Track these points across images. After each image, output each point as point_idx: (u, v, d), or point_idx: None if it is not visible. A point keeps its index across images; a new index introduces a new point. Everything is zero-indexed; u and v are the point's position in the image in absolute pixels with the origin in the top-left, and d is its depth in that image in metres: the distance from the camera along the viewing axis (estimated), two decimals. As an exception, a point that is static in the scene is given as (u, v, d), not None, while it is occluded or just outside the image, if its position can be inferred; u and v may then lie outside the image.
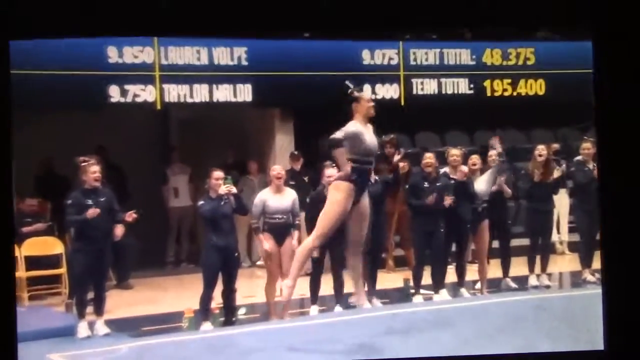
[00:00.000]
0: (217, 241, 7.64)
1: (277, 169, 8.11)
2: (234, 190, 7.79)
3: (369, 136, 7.00)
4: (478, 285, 8.91)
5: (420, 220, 8.46)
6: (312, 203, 8.10)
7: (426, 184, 8.47)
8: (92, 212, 7.37)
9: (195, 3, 3.71)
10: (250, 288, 8.76)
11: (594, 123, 3.76)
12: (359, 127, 6.93)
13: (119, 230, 7.66)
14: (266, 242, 7.89)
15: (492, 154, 8.96)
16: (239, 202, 7.82)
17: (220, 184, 7.70)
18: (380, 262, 8.80)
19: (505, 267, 9.05)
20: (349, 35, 9.91)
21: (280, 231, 7.95)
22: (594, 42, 3.82)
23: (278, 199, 7.96)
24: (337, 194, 6.94)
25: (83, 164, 7.63)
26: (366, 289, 8.08)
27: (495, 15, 3.78)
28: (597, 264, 9.10)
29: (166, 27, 3.83)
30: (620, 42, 3.69)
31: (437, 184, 8.46)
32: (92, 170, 7.54)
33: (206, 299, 7.65)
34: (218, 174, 7.75)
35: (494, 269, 9.03)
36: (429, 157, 8.55)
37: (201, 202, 7.78)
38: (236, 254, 7.89)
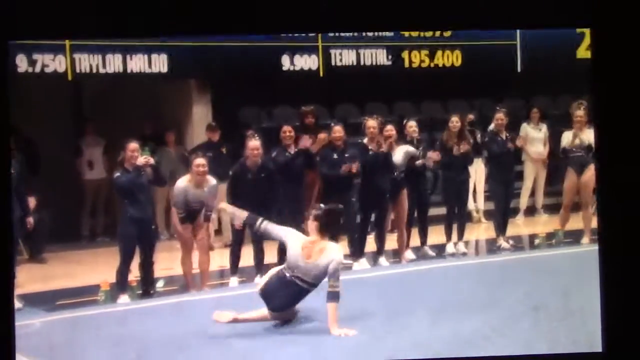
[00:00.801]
0: (133, 213, 7.55)
1: (200, 162, 7.87)
2: (152, 161, 7.67)
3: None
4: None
5: (330, 192, 8.51)
6: (234, 176, 8.06)
7: (335, 156, 8.55)
8: None
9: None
10: (168, 261, 8.65)
11: (593, 118, 3.81)
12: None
13: (30, 221, 7.61)
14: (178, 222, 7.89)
15: (412, 124, 9.09)
16: (156, 174, 7.71)
17: (136, 155, 7.57)
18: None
19: (424, 236, 9.19)
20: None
21: (197, 214, 7.93)
22: (592, 34, 3.86)
23: (199, 192, 7.87)
24: None
25: None
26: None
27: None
28: (511, 231, 9.48)
29: (168, 29, 3.71)
30: (618, 33, 3.73)
31: (346, 155, 8.55)
32: None
33: (123, 271, 7.56)
34: (134, 145, 7.63)
35: (414, 238, 9.17)
36: (337, 130, 8.64)
37: (117, 174, 7.64)
38: (153, 227, 7.80)
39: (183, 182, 7.89)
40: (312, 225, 6.29)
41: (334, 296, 5.94)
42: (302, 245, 6.16)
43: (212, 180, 7.93)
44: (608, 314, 3.85)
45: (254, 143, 7.94)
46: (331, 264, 6.05)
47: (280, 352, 5.66)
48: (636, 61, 3.73)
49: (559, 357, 4.14)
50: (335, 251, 6.16)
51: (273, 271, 6.33)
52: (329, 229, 6.24)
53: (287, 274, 6.14)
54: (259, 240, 8.07)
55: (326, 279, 6.05)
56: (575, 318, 4.58)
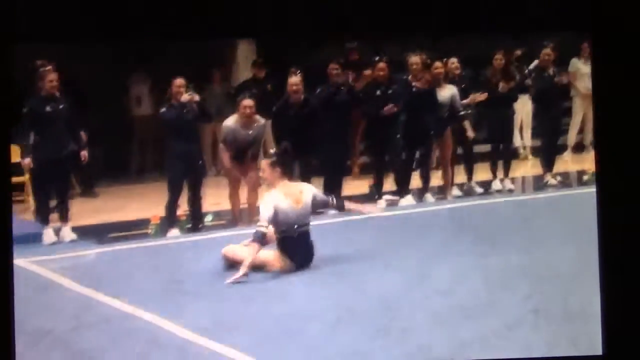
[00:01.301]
0: (180, 148, 7.63)
1: (247, 103, 7.86)
2: (197, 97, 7.73)
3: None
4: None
5: (374, 129, 8.49)
6: (277, 112, 8.09)
7: (379, 92, 8.49)
8: None
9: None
10: (216, 196, 8.78)
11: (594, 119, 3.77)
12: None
13: (84, 154, 7.71)
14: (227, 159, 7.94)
15: (454, 61, 9.00)
16: (201, 110, 7.78)
17: (182, 91, 7.64)
18: (345, 170, 8.87)
19: (469, 172, 9.18)
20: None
21: (244, 153, 7.95)
22: (592, 38, 3.78)
23: (246, 132, 7.89)
24: None
25: (40, 69, 7.50)
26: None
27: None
28: (558, 167, 9.38)
29: (170, 29, 3.72)
30: (619, 37, 3.66)
31: (389, 92, 8.49)
32: (50, 78, 7.43)
33: (171, 206, 7.69)
34: (180, 81, 7.69)
35: (460, 175, 9.17)
36: (381, 67, 8.52)
37: (163, 110, 7.74)
38: (200, 162, 7.87)
39: (231, 122, 7.91)
40: (274, 172, 6.28)
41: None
42: (285, 199, 6.19)
43: (260, 120, 7.95)
44: (608, 317, 3.84)
45: (295, 79, 7.93)
46: (317, 197, 6.32)
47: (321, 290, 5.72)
48: (636, 64, 3.66)
49: None
50: (307, 185, 6.46)
51: (272, 247, 6.21)
52: (289, 167, 6.38)
53: (295, 231, 6.17)
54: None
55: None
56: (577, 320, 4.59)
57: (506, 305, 4.86)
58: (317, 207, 6.42)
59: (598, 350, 3.96)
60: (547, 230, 6.63)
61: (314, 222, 6.25)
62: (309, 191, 6.32)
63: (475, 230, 6.90)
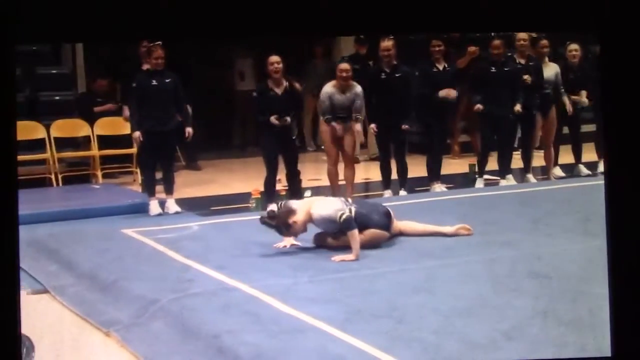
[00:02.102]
0: (271, 126, 7.66)
1: (344, 67, 7.93)
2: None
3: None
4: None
5: (490, 105, 8.34)
6: (371, 77, 8.09)
7: (493, 69, 8.33)
8: None
9: (200, 4, 3.61)
10: (315, 171, 8.86)
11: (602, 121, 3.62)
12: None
13: (189, 131, 7.82)
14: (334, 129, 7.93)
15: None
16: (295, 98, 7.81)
17: (278, 68, 7.60)
18: (445, 148, 8.80)
19: (577, 153, 8.94)
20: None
21: (344, 121, 7.97)
22: (600, 42, 3.63)
23: (343, 97, 7.90)
24: None
25: (147, 45, 7.72)
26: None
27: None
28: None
29: (170, 30, 3.74)
30: (627, 38, 3.49)
31: (505, 69, 8.31)
32: (156, 55, 7.60)
33: (269, 181, 7.80)
34: (275, 57, 7.66)
35: (565, 155, 8.95)
36: (496, 45, 8.35)
37: (255, 94, 7.80)
38: (294, 137, 7.93)
39: (328, 87, 7.95)
40: None
41: None
42: None
43: (357, 86, 7.95)
44: (617, 318, 3.66)
45: (386, 43, 7.91)
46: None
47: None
48: None
49: None
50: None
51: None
52: None
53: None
54: (400, 155, 8.15)
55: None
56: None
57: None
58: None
59: (607, 352, 3.83)
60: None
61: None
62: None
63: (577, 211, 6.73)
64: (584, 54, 9.01)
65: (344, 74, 7.85)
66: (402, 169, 8.15)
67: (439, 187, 8.33)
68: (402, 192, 8.16)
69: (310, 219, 5.86)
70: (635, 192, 3.51)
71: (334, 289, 5.18)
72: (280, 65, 7.60)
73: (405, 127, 8.00)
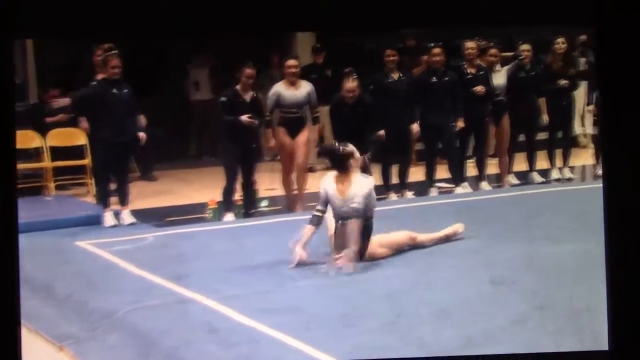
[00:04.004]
0: (234, 134, 7.65)
1: (292, 62, 7.96)
2: (256, 122, 7.67)
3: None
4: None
5: (429, 116, 8.41)
6: (333, 108, 8.03)
7: (434, 79, 8.41)
8: None
9: (193, 4, 3.61)
10: (271, 181, 8.84)
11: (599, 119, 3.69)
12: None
13: (142, 135, 7.75)
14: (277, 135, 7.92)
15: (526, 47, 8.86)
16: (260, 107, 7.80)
17: (251, 83, 7.61)
18: (411, 159, 8.84)
19: (531, 161, 9.05)
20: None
21: (294, 124, 7.95)
22: (596, 36, 3.70)
23: (292, 92, 7.90)
24: None
25: (103, 55, 7.63)
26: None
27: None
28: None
29: (170, 28, 3.73)
30: (624, 35, 3.57)
31: (445, 79, 8.39)
32: (113, 64, 7.53)
33: (228, 191, 7.76)
34: (250, 72, 7.64)
35: (519, 163, 9.06)
36: (436, 53, 8.43)
37: (223, 99, 7.75)
38: (254, 146, 7.91)
39: (276, 86, 7.96)
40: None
41: None
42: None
43: (307, 84, 7.95)
44: (614, 311, 3.75)
45: (351, 85, 7.74)
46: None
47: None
48: None
49: (561, 357, 4.08)
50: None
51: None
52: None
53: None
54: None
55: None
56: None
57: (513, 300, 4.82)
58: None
59: (604, 346, 3.90)
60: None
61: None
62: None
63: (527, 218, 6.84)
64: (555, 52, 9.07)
65: (292, 69, 7.85)
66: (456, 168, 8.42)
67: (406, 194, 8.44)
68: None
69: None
70: (632, 189, 3.56)
71: (293, 298, 5.17)
72: (254, 76, 7.69)
73: (380, 132, 8.01)
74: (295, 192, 8.09)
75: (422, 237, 6.18)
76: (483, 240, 6.21)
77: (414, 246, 6.12)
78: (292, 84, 7.90)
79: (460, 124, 8.42)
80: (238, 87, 7.68)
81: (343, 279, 5.54)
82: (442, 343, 4.33)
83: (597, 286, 4.08)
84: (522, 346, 4.23)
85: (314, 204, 8.18)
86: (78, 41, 8.06)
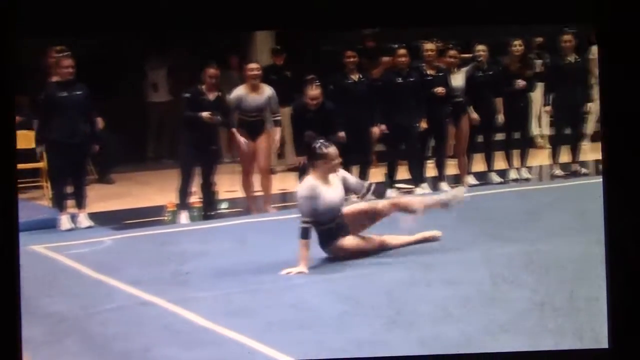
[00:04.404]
0: (193, 134, 7.60)
1: (253, 66, 7.92)
2: (219, 119, 7.63)
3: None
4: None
5: (394, 116, 8.44)
6: (295, 113, 7.99)
7: (400, 80, 8.43)
8: None
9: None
10: (231, 183, 8.79)
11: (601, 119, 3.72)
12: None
13: (95, 147, 7.68)
14: (240, 138, 7.86)
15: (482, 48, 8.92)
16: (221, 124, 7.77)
17: (214, 82, 7.57)
18: (371, 161, 8.84)
19: (489, 161, 9.12)
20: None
21: (255, 127, 7.92)
22: (597, 34, 3.73)
23: (254, 97, 7.87)
24: None
25: (55, 56, 7.53)
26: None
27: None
28: (564, 158, 9.29)
29: (168, 26, 3.71)
30: (624, 32, 3.61)
31: (410, 79, 8.43)
32: (65, 64, 7.44)
33: (183, 192, 7.70)
34: (213, 71, 7.64)
35: (478, 163, 9.12)
36: (402, 53, 8.46)
37: (187, 95, 7.69)
38: (213, 147, 7.86)
39: (238, 90, 7.90)
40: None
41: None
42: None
43: (268, 88, 7.92)
44: (614, 310, 3.80)
45: (314, 93, 7.70)
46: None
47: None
48: None
49: (561, 355, 4.12)
50: None
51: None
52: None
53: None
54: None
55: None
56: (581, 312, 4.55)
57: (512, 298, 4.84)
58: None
59: (604, 344, 3.93)
60: (553, 221, 6.62)
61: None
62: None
63: (483, 221, 6.88)
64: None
65: (254, 72, 7.82)
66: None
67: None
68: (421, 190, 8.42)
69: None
70: (632, 187, 3.58)
71: (253, 300, 5.14)
72: (217, 77, 7.69)
73: (340, 134, 8.02)
74: (256, 194, 8.03)
75: (390, 239, 6.17)
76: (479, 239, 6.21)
77: (383, 249, 6.10)
78: (254, 87, 7.86)
79: (424, 124, 8.45)
80: (203, 86, 7.66)
81: (309, 280, 5.52)
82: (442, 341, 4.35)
83: (597, 284, 4.11)
84: (522, 344, 4.24)
85: (277, 205, 8.23)
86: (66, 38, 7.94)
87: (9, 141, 3.41)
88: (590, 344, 4.13)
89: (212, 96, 7.66)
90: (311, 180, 5.94)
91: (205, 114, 7.54)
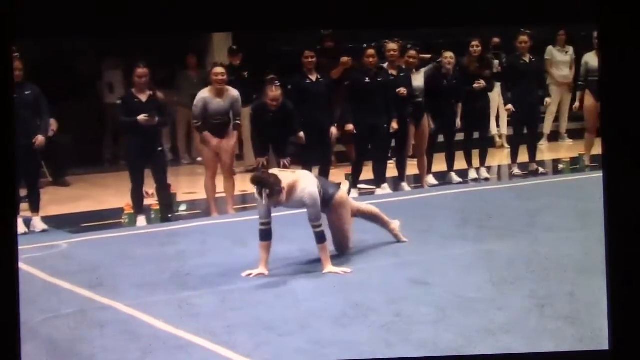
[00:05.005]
0: (136, 137, 7.52)
1: (219, 70, 7.79)
2: (155, 120, 7.50)
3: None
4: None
5: (364, 115, 8.41)
6: (255, 113, 7.93)
7: (367, 79, 8.42)
8: None
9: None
10: (190, 185, 8.69)
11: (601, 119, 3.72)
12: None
13: (40, 140, 7.44)
14: (206, 139, 7.77)
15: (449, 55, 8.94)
16: (159, 124, 7.64)
17: (144, 81, 7.48)
18: (330, 160, 8.80)
19: (450, 161, 9.14)
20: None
21: (220, 129, 7.83)
22: (599, 34, 3.73)
23: (218, 101, 7.78)
24: None
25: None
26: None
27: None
28: (521, 158, 9.37)
29: (168, 26, 3.63)
30: (627, 28, 3.61)
31: (378, 79, 8.42)
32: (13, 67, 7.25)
33: (135, 194, 7.61)
34: (142, 71, 7.51)
35: (439, 163, 9.15)
36: (370, 54, 8.44)
37: (119, 101, 7.65)
38: (160, 149, 7.76)
39: (203, 92, 7.80)
40: None
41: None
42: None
43: (233, 91, 7.83)
44: (615, 311, 3.81)
45: (274, 94, 7.63)
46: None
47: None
48: None
49: (561, 356, 4.13)
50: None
51: None
52: None
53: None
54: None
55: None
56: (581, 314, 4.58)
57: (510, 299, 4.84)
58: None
59: (604, 345, 3.93)
60: (519, 220, 6.66)
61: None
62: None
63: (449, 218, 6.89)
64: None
65: (220, 77, 7.73)
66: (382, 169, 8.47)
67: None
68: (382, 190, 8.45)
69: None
70: (633, 187, 3.57)
71: (214, 303, 5.06)
72: (147, 76, 7.51)
73: (300, 134, 7.95)
74: (218, 195, 7.95)
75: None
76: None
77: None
78: (219, 92, 7.76)
79: (394, 125, 8.44)
80: (133, 89, 7.59)
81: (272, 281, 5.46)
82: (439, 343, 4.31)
83: (597, 285, 4.09)
84: (522, 346, 4.22)
85: (237, 207, 8.14)
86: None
87: (8, 141, 3.34)
88: (591, 346, 4.12)
89: (144, 97, 7.56)
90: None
91: (140, 117, 7.44)
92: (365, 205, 6.47)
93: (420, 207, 7.75)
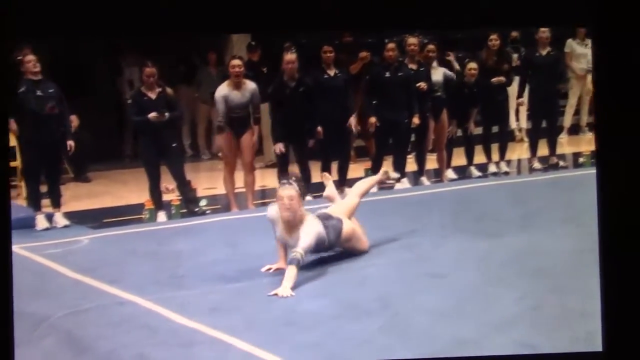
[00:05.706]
0: (150, 136, 7.60)
1: (236, 63, 7.87)
2: (166, 116, 7.57)
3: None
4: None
5: (385, 110, 8.41)
6: (273, 92, 8.01)
7: (388, 74, 8.41)
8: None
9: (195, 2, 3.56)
10: (210, 180, 8.74)
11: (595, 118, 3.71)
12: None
13: (71, 144, 7.60)
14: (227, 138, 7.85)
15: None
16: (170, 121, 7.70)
17: (152, 81, 7.53)
18: (349, 155, 8.81)
19: (469, 155, 9.12)
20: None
21: (240, 124, 7.88)
22: (592, 32, 3.73)
23: (237, 94, 7.82)
24: None
25: (19, 58, 7.46)
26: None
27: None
28: (542, 151, 9.34)
29: (168, 26, 3.66)
30: (621, 30, 3.60)
31: (399, 74, 8.41)
32: (28, 59, 7.36)
33: (152, 190, 7.68)
34: (150, 70, 7.60)
35: (458, 157, 9.13)
36: (391, 48, 8.43)
37: (129, 100, 7.74)
38: (175, 145, 7.83)
39: (222, 88, 7.86)
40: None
41: None
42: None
43: (251, 84, 7.89)
44: (608, 313, 3.80)
45: (290, 56, 7.84)
46: None
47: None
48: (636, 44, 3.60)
49: (556, 357, 4.11)
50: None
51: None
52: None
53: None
54: (303, 160, 8.13)
55: None
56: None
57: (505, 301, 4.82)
58: None
59: (598, 347, 3.91)
60: (540, 214, 6.62)
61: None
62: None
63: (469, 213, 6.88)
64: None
65: (237, 69, 7.78)
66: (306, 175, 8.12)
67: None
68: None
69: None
70: (626, 187, 3.56)
71: (233, 298, 5.09)
72: (154, 75, 7.60)
73: (318, 129, 7.98)
74: (238, 190, 7.99)
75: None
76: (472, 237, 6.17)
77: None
78: (237, 84, 7.81)
79: (416, 120, 8.43)
80: (142, 87, 7.67)
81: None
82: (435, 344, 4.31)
83: (591, 287, 4.08)
84: (516, 347, 4.22)
85: (257, 202, 8.17)
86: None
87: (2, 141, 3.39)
88: (584, 347, 4.11)
89: (153, 94, 7.62)
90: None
91: (151, 115, 7.51)
92: (352, 201, 6.11)
93: (439, 202, 7.73)
